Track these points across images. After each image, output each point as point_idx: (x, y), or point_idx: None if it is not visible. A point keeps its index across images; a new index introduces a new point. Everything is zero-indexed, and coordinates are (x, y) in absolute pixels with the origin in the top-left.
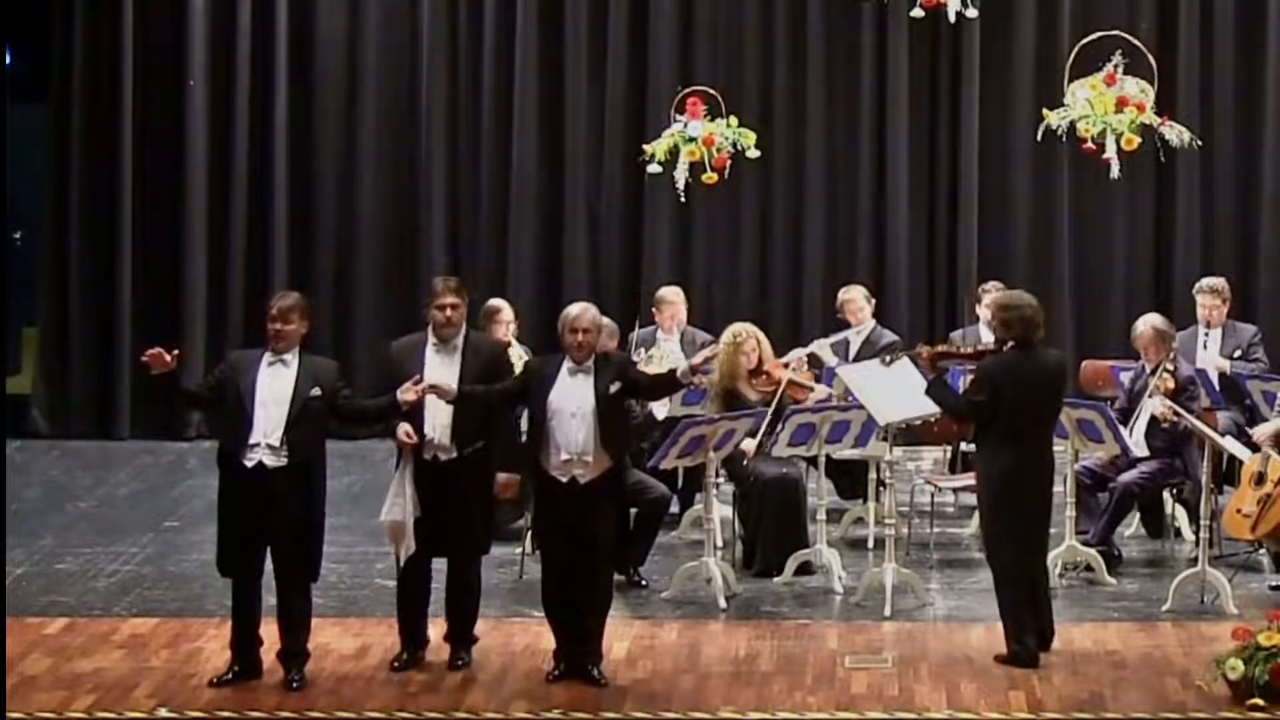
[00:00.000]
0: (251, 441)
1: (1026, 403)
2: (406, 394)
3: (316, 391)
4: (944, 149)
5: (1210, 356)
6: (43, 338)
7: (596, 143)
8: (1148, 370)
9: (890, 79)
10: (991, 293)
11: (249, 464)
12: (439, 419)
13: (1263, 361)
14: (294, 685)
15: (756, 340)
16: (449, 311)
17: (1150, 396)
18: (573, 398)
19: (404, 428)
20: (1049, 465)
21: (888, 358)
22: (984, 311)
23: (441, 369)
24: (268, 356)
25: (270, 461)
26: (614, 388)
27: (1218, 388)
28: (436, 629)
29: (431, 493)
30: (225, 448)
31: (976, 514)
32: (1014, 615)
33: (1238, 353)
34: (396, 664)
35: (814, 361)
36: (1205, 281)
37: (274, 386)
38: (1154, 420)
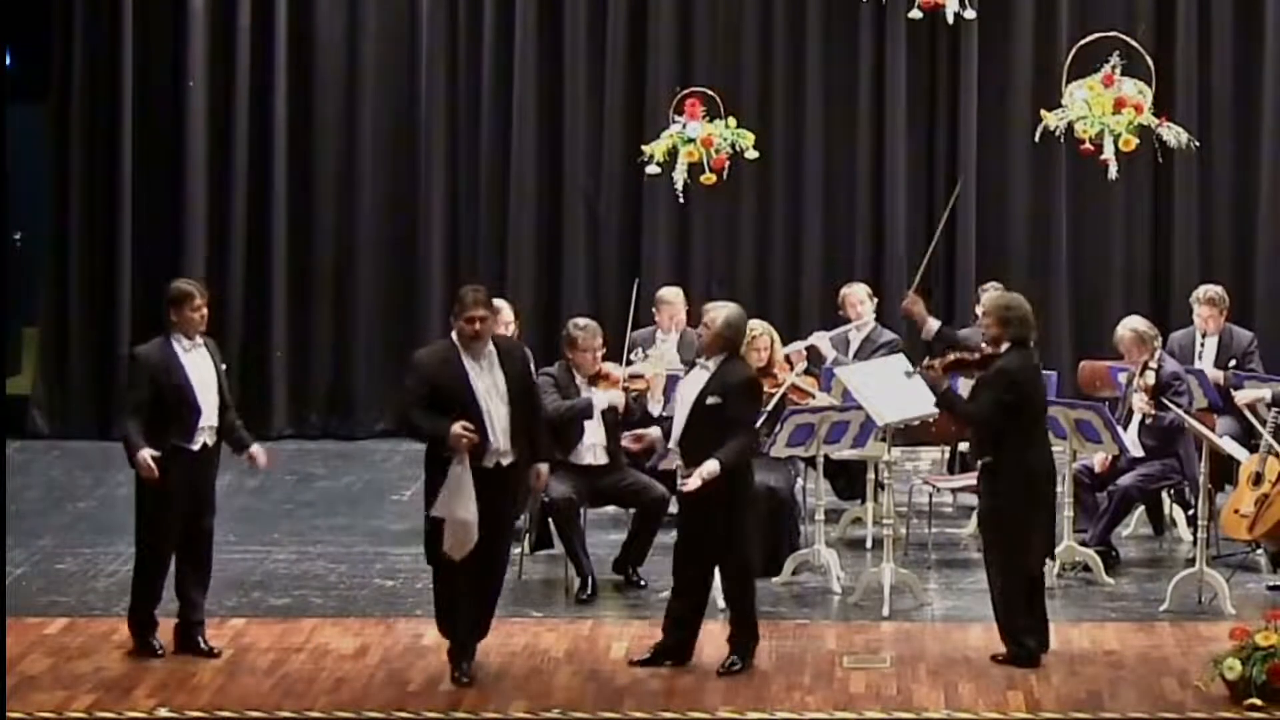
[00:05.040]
0: (201, 425)
1: (1037, 401)
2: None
3: (223, 365)
4: (942, 150)
5: (1206, 368)
6: (43, 338)
7: (595, 143)
8: (1136, 370)
9: (888, 80)
10: (991, 293)
11: (195, 448)
12: (499, 424)
13: (1258, 369)
14: (212, 649)
15: (770, 339)
16: (477, 325)
17: (1134, 394)
18: (687, 392)
19: (462, 423)
20: (1054, 465)
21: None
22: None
23: (486, 378)
24: (182, 344)
25: (210, 440)
26: (712, 399)
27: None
28: (434, 631)
29: (489, 498)
30: (168, 439)
31: (975, 515)
32: (1015, 617)
33: (1233, 363)
34: (464, 680)
35: (813, 355)
36: (1202, 291)
37: (202, 370)
38: (1144, 419)
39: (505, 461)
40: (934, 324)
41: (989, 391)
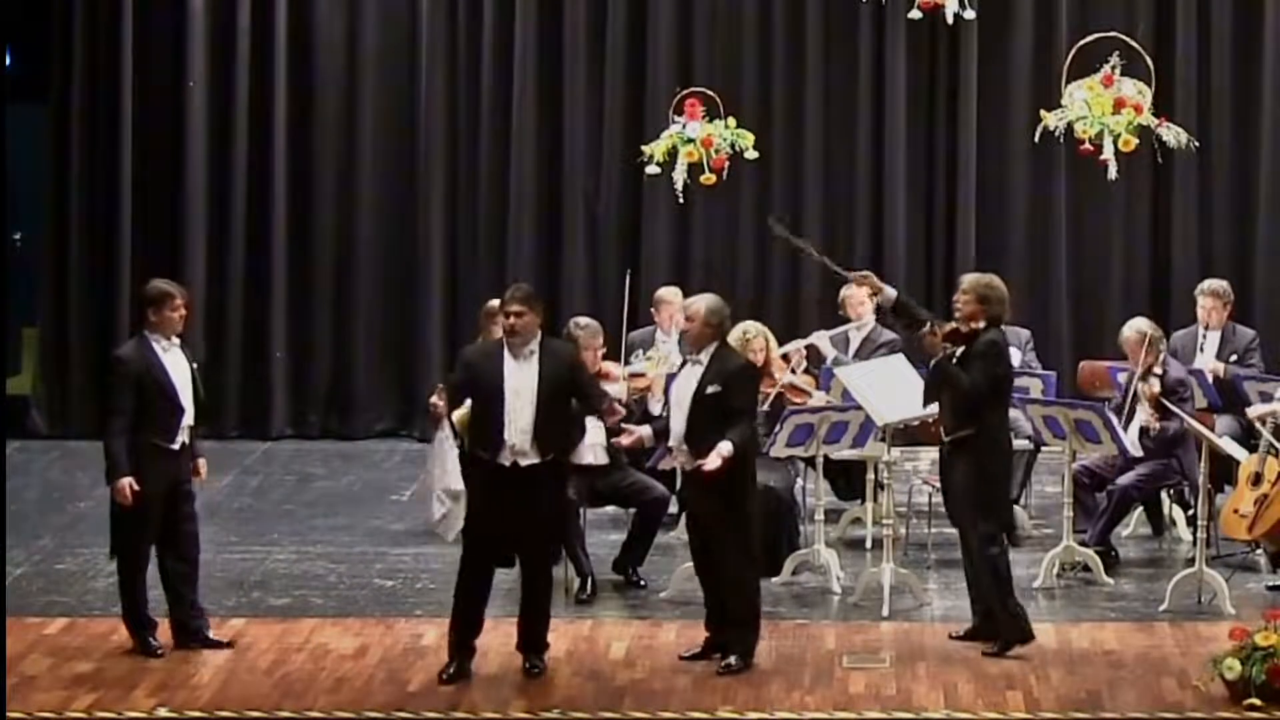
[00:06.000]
0: (183, 425)
1: (1011, 377)
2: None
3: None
4: (942, 150)
5: (1206, 360)
6: (43, 338)
7: (595, 144)
8: (1139, 373)
9: (888, 81)
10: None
11: (175, 447)
12: (519, 423)
13: (1258, 367)
14: (222, 640)
15: (765, 339)
16: (512, 320)
17: (1139, 404)
18: (683, 388)
19: (436, 395)
20: None
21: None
22: None
23: (519, 376)
24: (161, 343)
25: (187, 439)
26: (712, 389)
27: (1215, 391)
28: (434, 631)
29: (508, 498)
30: (149, 438)
31: None
32: (1006, 590)
33: (1234, 358)
34: (445, 675)
35: (813, 354)
36: (1207, 284)
37: (180, 370)
38: (1147, 429)
39: (524, 462)
40: (891, 291)
41: (982, 363)
